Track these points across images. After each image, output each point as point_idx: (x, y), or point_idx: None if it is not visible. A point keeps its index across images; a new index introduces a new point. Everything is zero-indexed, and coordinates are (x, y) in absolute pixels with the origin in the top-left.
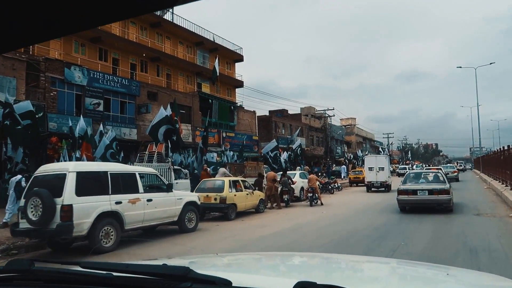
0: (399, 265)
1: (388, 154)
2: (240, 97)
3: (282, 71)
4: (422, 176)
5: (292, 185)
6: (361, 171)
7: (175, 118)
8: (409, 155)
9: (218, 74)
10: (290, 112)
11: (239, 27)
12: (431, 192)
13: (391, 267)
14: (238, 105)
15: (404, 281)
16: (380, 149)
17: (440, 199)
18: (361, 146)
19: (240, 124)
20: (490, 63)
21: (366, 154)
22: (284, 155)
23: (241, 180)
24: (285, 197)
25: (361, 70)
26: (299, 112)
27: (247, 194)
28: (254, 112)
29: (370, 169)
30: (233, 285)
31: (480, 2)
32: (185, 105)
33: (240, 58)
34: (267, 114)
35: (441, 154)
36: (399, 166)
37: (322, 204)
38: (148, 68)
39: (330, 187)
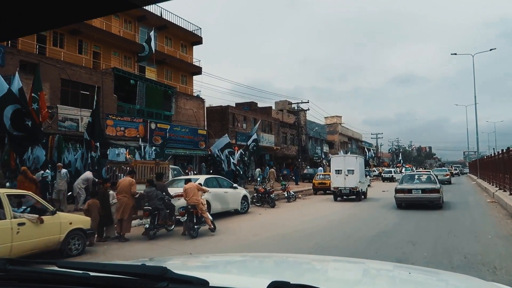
0: (376, 266)
1: (373, 155)
2: (199, 85)
3: (277, 72)
4: (417, 177)
5: (169, 201)
6: (328, 175)
7: (34, 95)
8: (400, 158)
9: (153, 51)
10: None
11: (234, 28)
12: (423, 190)
13: (366, 268)
14: (196, 94)
15: (380, 281)
16: (365, 149)
17: (431, 197)
18: (346, 146)
19: (180, 114)
20: (490, 49)
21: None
22: (237, 154)
23: (9, 195)
24: (145, 221)
25: (356, 73)
26: (274, 107)
27: (20, 224)
28: (202, 100)
29: (337, 172)
30: (210, 285)
31: (476, 7)
32: (89, 84)
33: (198, 40)
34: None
35: (434, 157)
36: (385, 170)
37: (214, 229)
38: (64, 43)
39: (270, 197)
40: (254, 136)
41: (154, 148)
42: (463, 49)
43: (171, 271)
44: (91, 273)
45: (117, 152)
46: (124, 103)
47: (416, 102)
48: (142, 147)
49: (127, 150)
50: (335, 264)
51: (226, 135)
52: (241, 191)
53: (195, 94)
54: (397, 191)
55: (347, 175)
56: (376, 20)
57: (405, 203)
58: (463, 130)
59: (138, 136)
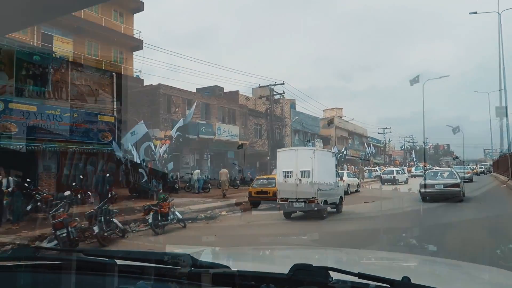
0: (394, 256)
1: (373, 151)
2: (143, 66)
3: (292, 72)
4: (439, 173)
5: None
6: (272, 178)
7: None
8: (413, 156)
9: None
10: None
11: (247, 28)
12: (445, 185)
13: (386, 258)
14: (136, 75)
15: (393, 269)
16: (365, 145)
17: (452, 191)
18: (345, 142)
19: (66, 92)
20: None
21: (342, 152)
22: (162, 149)
23: None
24: None
25: (372, 71)
26: (252, 94)
27: None
28: (110, 74)
29: (287, 174)
30: (232, 269)
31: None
32: None
33: (138, 7)
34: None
35: (453, 154)
36: (385, 170)
37: None
38: None
39: (57, 235)
40: (180, 124)
41: None
42: (484, 42)
43: (194, 258)
44: (117, 260)
45: None
46: None
47: (434, 100)
48: None
49: None
50: (358, 253)
51: (142, 122)
52: None
53: (134, 75)
54: (422, 186)
55: (300, 180)
56: (392, 16)
57: (429, 197)
58: (483, 127)
59: None
